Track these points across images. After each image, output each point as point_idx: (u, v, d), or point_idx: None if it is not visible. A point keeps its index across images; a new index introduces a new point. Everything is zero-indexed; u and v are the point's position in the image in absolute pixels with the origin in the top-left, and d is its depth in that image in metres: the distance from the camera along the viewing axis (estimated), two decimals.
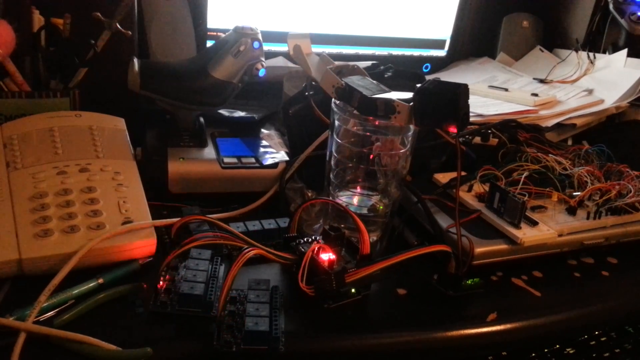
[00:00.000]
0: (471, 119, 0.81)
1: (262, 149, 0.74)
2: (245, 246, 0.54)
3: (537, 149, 0.77)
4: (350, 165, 0.63)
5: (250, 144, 0.75)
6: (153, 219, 0.62)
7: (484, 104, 0.88)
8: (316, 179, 0.69)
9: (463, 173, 0.71)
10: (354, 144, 0.61)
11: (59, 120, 0.65)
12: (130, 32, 0.68)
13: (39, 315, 0.46)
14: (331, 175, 0.64)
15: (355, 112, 0.58)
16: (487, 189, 0.67)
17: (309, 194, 0.69)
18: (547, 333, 0.58)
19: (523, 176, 0.66)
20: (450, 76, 1.08)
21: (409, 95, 0.57)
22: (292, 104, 0.80)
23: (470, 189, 0.69)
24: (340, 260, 0.55)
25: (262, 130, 0.79)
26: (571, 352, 0.65)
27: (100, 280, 0.51)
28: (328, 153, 0.64)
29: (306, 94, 0.80)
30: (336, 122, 0.61)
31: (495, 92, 0.93)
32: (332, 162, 0.63)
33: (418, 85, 0.57)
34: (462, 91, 0.51)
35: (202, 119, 0.76)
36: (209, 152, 0.71)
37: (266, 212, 0.67)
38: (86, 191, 0.57)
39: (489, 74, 1.06)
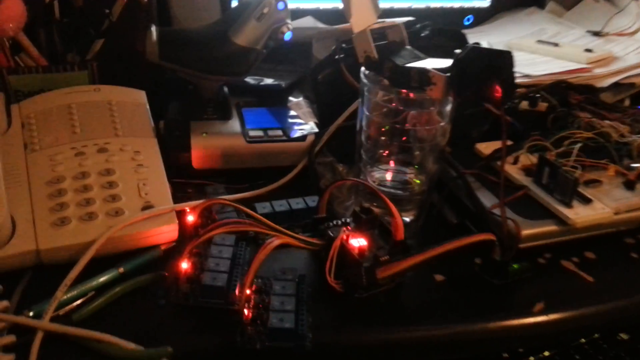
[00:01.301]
0: (518, 80, 0.74)
1: (289, 120, 0.69)
2: (270, 233, 0.51)
3: (591, 113, 0.70)
4: (383, 138, 0.58)
5: (277, 114, 0.71)
6: (176, 197, 0.59)
7: (532, 62, 0.81)
8: (347, 151, 0.65)
9: (508, 143, 0.65)
10: (385, 115, 0.56)
11: (77, 96, 0.62)
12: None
13: (58, 308, 0.45)
14: (362, 150, 0.60)
15: (386, 83, 0.53)
16: (535, 161, 0.61)
17: (340, 169, 0.65)
18: (600, 323, 0.53)
19: (576, 148, 0.60)
20: (494, 29, 0.99)
21: (446, 62, 0.52)
22: (321, 68, 0.75)
23: (516, 161, 0.63)
24: (373, 246, 0.51)
25: (290, 98, 0.74)
26: (625, 337, 0.60)
27: (121, 270, 0.49)
28: (358, 125, 0.59)
29: (336, 57, 0.74)
30: (365, 93, 0.56)
31: (544, 48, 0.85)
32: (363, 136, 0.58)
33: (457, 50, 0.52)
34: (505, 58, 0.45)
35: (226, 89, 0.71)
36: (234, 124, 0.67)
37: (294, 189, 0.63)
38: (104, 174, 0.54)
39: (537, 27, 0.97)
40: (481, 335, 0.49)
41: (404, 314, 0.50)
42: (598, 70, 0.77)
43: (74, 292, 0.46)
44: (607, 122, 0.66)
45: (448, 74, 0.48)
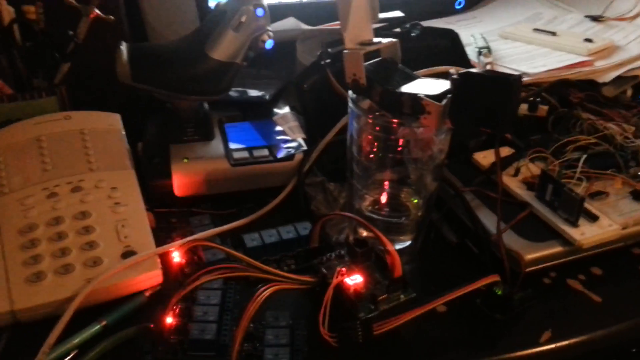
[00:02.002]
0: None
1: (276, 137, 0.65)
2: (261, 276, 0.48)
3: (593, 113, 0.66)
4: (375, 157, 0.54)
5: (262, 128, 0.67)
6: (160, 228, 0.56)
7: (529, 55, 0.76)
8: (339, 166, 0.61)
9: (508, 151, 0.62)
10: (377, 132, 0.52)
11: (47, 127, 0.58)
12: (112, 17, 0.59)
13: None
14: (353, 168, 0.56)
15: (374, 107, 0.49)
16: (536, 171, 0.58)
17: (332, 188, 0.61)
18: (610, 345, 0.51)
19: (581, 161, 0.57)
20: (486, 14, 0.95)
21: (441, 85, 0.48)
22: (307, 76, 0.71)
23: (517, 173, 0.60)
24: (369, 281, 0.48)
25: (275, 110, 0.70)
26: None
27: (103, 323, 0.46)
28: (348, 139, 0.55)
29: (322, 63, 0.70)
30: (354, 111, 0.52)
31: (541, 38, 0.80)
32: (354, 152, 0.55)
33: (452, 71, 0.48)
34: (510, 86, 0.41)
35: (206, 105, 0.67)
36: (217, 145, 0.63)
37: (284, 211, 0.60)
38: (80, 217, 0.51)
39: (532, 11, 0.92)
40: None
41: (409, 354, 0.47)
42: (599, 64, 0.73)
43: (56, 353, 0.43)
44: (611, 123, 0.63)
45: (443, 102, 0.44)
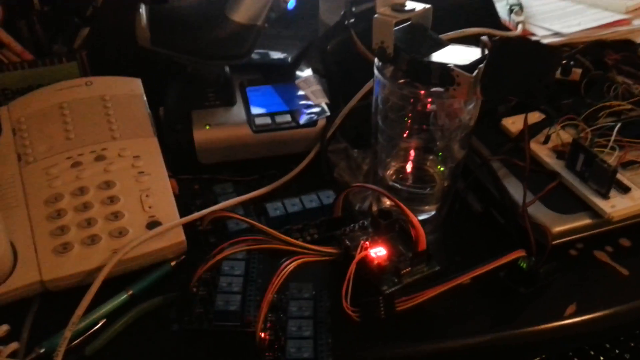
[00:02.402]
0: (547, 41, 0.68)
1: (298, 101, 0.64)
2: (284, 247, 0.48)
3: (629, 76, 0.63)
4: (399, 125, 0.53)
5: (284, 93, 0.65)
6: (183, 194, 0.57)
7: (563, 13, 0.73)
8: (363, 132, 0.60)
9: (538, 117, 0.60)
10: (403, 101, 0.51)
11: (69, 93, 0.58)
12: None
13: (71, 340, 0.43)
14: (378, 135, 0.54)
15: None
16: (567, 139, 0.56)
17: (355, 155, 0.60)
18: (636, 319, 0.50)
19: (615, 131, 0.54)
20: None
21: (472, 52, 0.46)
22: (330, 37, 0.69)
23: (546, 140, 0.58)
24: (393, 253, 0.48)
25: (298, 73, 0.68)
26: None
27: (130, 292, 0.47)
28: (373, 107, 0.53)
29: (346, 23, 0.68)
30: (379, 78, 0.50)
31: None
32: (379, 120, 0.53)
33: (484, 37, 0.46)
34: (551, 59, 0.39)
35: (227, 69, 0.66)
36: (238, 111, 0.62)
37: (307, 178, 0.60)
38: (104, 187, 0.51)
39: None
40: (511, 343, 0.47)
41: (431, 326, 0.47)
42: (637, 22, 0.69)
43: (84, 323, 0.45)
44: None
45: (474, 73, 0.42)
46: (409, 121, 0.51)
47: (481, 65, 0.42)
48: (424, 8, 0.48)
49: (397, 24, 0.46)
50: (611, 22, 0.69)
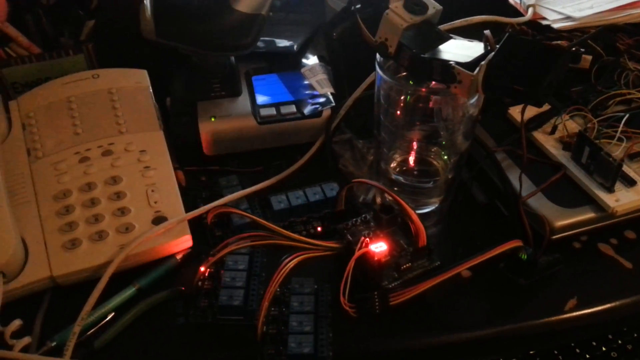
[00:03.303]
0: (558, 25, 0.66)
1: (303, 90, 0.64)
2: (287, 243, 0.48)
3: None
4: (401, 120, 0.53)
5: (290, 82, 0.65)
6: (190, 186, 0.58)
7: None
8: (368, 123, 0.60)
9: (545, 106, 0.59)
10: (405, 97, 0.50)
11: (76, 87, 0.59)
12: None
13: (80, 334, 0.45)
14: (380, 127, 0.54)
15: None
16: (575, 127, 0.56)
17: (360, 146, 0.60)
18: (638, 314, 0.50)
19: (622, 122, 0.54)
20: None
21: (474, 47, 0.45)
22: (336, 24, 0.68)
23: (553, 131, 0.57)
24: (394, 248, 0.48)
25: (304, 61, 0.68)
26: None
27: (137, 286, 0.49)
28: (375, 101, 0.53)
29: (352, 8, 0.67)
30: (380, 77, 0.49)
31: None
32: (380, 115, 0.53)
33: (486, 31, 0.45)
34: (558, 58, 0.38)
35: (233, 59, 0.65)
36: (244, 101, 0.62)
37: (312, 169, 0.60)
38: (111, 183, 0.52)
39: None
40: (511, 336, 0.48)
41: (432, 319, 0.48)
42: None
43: (94, 316, 0.46)
44: None
45: (476, 71, 0.41)
46: (411, 115, 0.50)
47: (483, 63, 0.42)
48: (436, 10, 0.47)
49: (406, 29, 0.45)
50: (626, 4, 0.67)
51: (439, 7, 0.47)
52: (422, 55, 0.44)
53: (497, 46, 0.41)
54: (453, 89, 0.43)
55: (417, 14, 0.46)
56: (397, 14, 0.46)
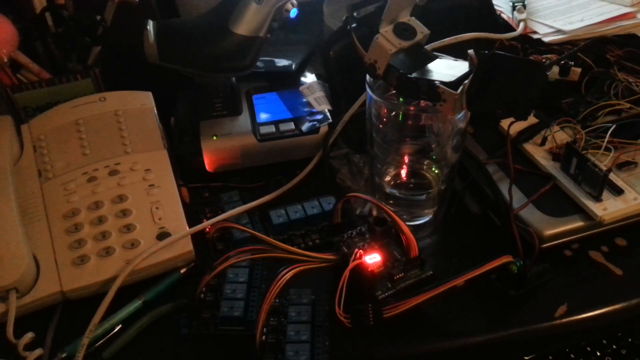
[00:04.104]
0: (549, 39, 0.68)
1: (302, 108, 0.66)
2: (285, 256, 0.51)
3: (631, 73, 0.63)
4: (392, 137, 0.55)
5: (289, 100, 0.68)
6: (194, 202, 0.60)
7: (567, 8, 0.72)
8: (364, 139, 0.62)
9: (535, 118, 0.61)
10: (394, 116, 0.53)
11: (84, 110, 0.61)
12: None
13: (89, 345, 0.47)
14: (373, 142, 0.56)
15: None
16: (565, 138, 0.57)
17: (356, 160, 0.62)
18: (628, 319, 0.51)
19: (608, 133, 0.55)
20: None
21: (459, 66, 0.47)
22: (333, 42, 0.70)
23: (543, 142, 0.59)
24: (387, 259, 0.50)
25: (302, 79, 0.70)
26: None
27: (143, 299, 0.51)
28: (367, 121, 0.55)
29: (348, 27, 0.69)
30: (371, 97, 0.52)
31: None
32: (373, 133, 0.55)
33: (470, 51, 0.47)
34: (536, 74, 0.40)
35: (234, 79, 0.68)
36: (244, 120, 0.65)
37: (311, 184, 0.62)
38: (117, 201, 0.55)
39: None
40: (503, 343, 0.49)
41: (426, 328, 0.49)
42: None
43: (102, 329, 0.49)
44: None
45: (459, 90, 0.43)
46: (401, 132, 0.52)
47: (466, 82, 0.44)
48: (423, 35, 0.49)
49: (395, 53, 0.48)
50: (615, 17, 0.68)
51: (427, 31, 0.49)
52: (409, 76, 0.46)
53: (479, 65, 0.43)
54: (439, 106, 0.45)
55: (406, 39, 0.48)
56: (386, 39, 0.48)
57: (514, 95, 0.42)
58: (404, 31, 0.49)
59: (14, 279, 0.48)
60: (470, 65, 0.47)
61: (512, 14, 0.72)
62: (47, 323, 0.50)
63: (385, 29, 0.49)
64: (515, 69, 0.42)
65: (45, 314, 0.50)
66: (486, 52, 0.42)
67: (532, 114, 0.57)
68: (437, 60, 0.48)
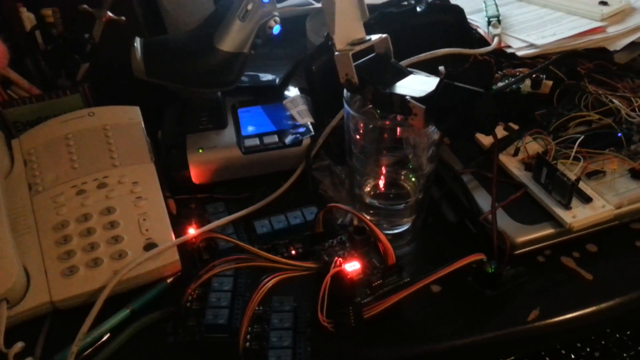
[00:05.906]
0: (522, 53, 0.71)
1: (285, 121, 0.68)
2: (268, 265, 0.52)
3: (600, 85, 0.66)
4: (370, 149, 0.57)
5: (273, 113, 0.70)
6: (181, 213, 0.62)
7: (540, 22, 0.75)
8: (345, 150, 0.64)
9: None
10: (371, 131, 0.55)
11: (73, 125, 0.63)
12: (123, 18, 0.62)
13: (79, 354, 0.49)
14: (352, 157, 0.58)
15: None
16: (537, 148, 0.60)
17: (338, 172, 0.65)
18: (598, 322, 0.54)
19: (576, 144, 0.58)
20: None
21: (431, 81, 0.49)
22: (315, 57, 0.73)
23: (516, 153, 0.61)
24: (367, 267, 0.52)
25: (286, 93, 0.73)
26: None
27: (131, 309, 0.53)
28: (346, 134, 0.57)
29: (329, 43, 0.71)
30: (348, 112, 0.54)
31: (555, 1, 0.78)
32: (351, 146, 0.57)
33: (440, 67, 0.49)
34: (480, 100, 0.43)
35: (219, 94, 0.70)
36: (229, 133, 0.67)
37: (295, 194, 0.64)
38: (106, 213, 0.56)
39: None
40: (478, 346, 0.51)
41: (405, 331, 0.51)
42: (612, 29, 0.71)
43: (91, 337, 0.50)
44: (617, 97, 0.63)
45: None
46: (378, 144, 0.55)
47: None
48: (380, 37, 0.52)
49: (355, 56, 0.50)
50: (586, 31, 0.71)
51: (383, 35, 0.52)
52: (382, 90, 0.49)
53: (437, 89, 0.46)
54: (410, 120, 0.48)
55: (362, 44, 0.51)
56: (344, 50, 0.51)
57: (458, 119, 0.45)
58: (359, 41, 0.51)
59: (4, 289, 0.49)
60: (440, 82, 0.49)
61: (488, 29, 0.75)
62: (37, 332, 0.51)
63: (340, 47, 0.52)
64: (456, 96, 0.44)
65: (35, 323, 0.52)
66: (442, 77, 0.45)
67: (502, 127, 0.60)
68: (411, 76, 0.51)
